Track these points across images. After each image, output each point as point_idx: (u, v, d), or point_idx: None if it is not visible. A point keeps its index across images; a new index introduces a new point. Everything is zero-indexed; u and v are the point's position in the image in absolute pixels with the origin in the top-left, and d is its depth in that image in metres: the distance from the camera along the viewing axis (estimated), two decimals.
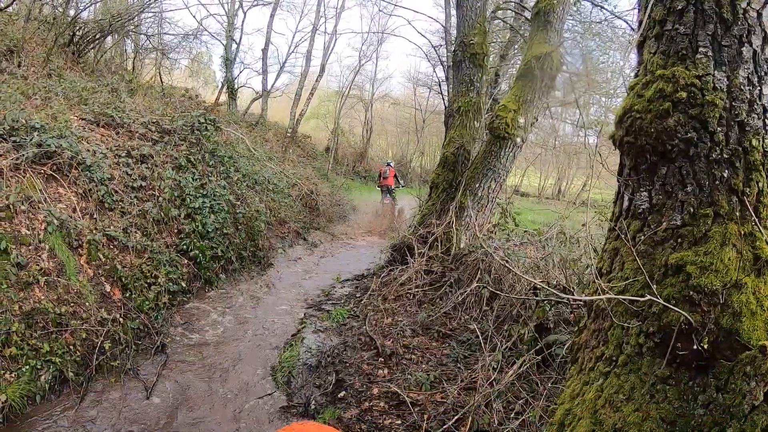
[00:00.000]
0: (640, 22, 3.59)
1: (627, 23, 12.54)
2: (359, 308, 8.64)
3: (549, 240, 9.33)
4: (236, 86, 28.37)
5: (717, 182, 3.01)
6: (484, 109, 11.83)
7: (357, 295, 9.63)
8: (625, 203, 3.51)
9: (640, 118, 3.26)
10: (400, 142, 50.68)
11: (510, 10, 16.94)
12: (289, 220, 14.67)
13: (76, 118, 9.54)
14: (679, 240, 3.05)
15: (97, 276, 7.34)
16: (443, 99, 22.50)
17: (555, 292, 4.66)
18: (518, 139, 9.76)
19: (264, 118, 28.25)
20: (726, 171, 3.01)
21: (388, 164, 25.69)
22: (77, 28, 14.69)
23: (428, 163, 51.56)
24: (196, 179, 10.35)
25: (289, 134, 26.80)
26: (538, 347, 5.73)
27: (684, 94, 3.06)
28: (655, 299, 2.93)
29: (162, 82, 20.26)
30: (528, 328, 6.32)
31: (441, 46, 24.30)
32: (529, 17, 12.41)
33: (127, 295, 7.53)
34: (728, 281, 2.88)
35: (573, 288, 6.66)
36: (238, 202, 11.29)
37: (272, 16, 28.14)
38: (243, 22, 28.23)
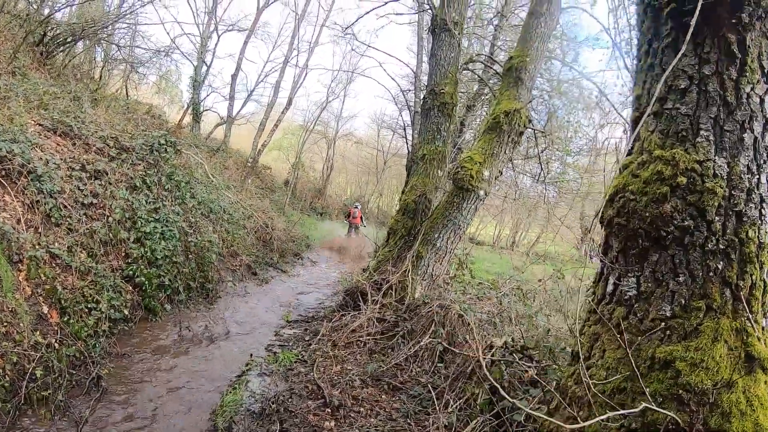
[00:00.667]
0: (638, 97, 3.51)
1: (596, 85, 12.77)
2: (308, 353, 8.31)
3: (505, 295, 9.25)
4: (202, 109, 28.03)
5: (711, 274, 2.91)
6: (449, 159, 11.82)
7: (306, 339, 9.30)
8: (610, 287, 3.37)
9: (635, 200, 3.16)
10: (360, 182, 50.95)
11: (481, 62, 17.18)
12: (242, 253, 14.29)
13: (33, 122, 9.16)
14: (668, 332, 2.92)
15: (35, 295, 6.89)
16: (407, 144, 22.63)
17: (515, 359, 4.49)
18: (481, 192, 9.72)
19: (226, 144, 27.85)
20: (721, 262, 2.92)
21: (356, 206, 29.30)
22: (49, 28, 14.29)
23: (385, 204, 51.89)
24: (149, 202, 9.99)
25: (249, 164, 26.48)
26: (495, 411, 5.53)
27: (684, 180, 2.98)
28: (650, 407, 2.76)
29: (127, 96, 19.80)
30: (482, 388, 6.12)
31: (410, 91, 24.52)
32: (498, 70, 12.56)
33: (65, 319, 7.07)
34: (719, 380, 2.76)
35: (530, 349, 6.52)
36: (191, 230, 10.94)
37: (246, 42, 28.08)
38: (216, 45, 27.97)
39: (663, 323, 2.95)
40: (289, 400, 6.65)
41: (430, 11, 12.80)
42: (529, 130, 11.21)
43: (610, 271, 3.37)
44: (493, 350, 6.65)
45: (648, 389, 2.85)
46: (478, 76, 18.71)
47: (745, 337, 2.84)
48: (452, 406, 6.05)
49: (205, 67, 27.59)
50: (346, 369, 7.66)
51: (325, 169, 43.57)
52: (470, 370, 6.65)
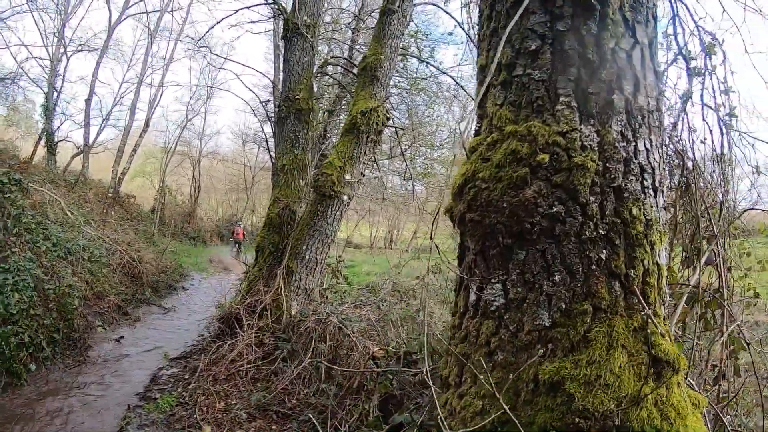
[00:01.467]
0: (481, 68, 3.07)
1: (453, 79, 13.08)
2: (188, 393, 7.89)
3: (383, 299, 9.22)
4: (56, 139, 26.39)
5: (593, 266, 2.49)
6: (311, 167, 11.68)
7: (186, 377, 8.82)
8: (472, 297, 2.84)
9: (488, 188, 2.68)
10: (230, 200, 49.93)
11: (338, 65, 17.19)
12: (109, 293, 13.42)
13: None
14: (550, 345, 2.46)
15: None
16: (270, 156, 22.27)
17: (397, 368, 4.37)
18: (345, 197, 9.72)
19: (85, 176, 26.44)
20: (604, 251, 2.51)
21: (239, 224, 34.88)
22: None
23: (259, 221, 51.12)
24: None
25: (110, 194, 25.12)
26: (388, 428, 5.38)
27: (545, 157, 2.54)
28: None
29: None
30: (372, 404, 6.01)
31: (269, 101, 24.19)
32: (354, 73, 12.58)
33: None
34: (623, 397, 2.32)
35: (413, 353, 6.47)
36: (48, 277, 10.12)
37: (98, 63, 26.80)
38: (66, 68, 26.31)
39: (542, 335, 2.49)
40: None
41: (283, 16, 12.55)
42: (391, 128, 11.24)
43: (470, 277, 2.85)
44: (377, 360, 6.57)
45: (535, 420, 2.39)
46: (336, 80, 18.71)
47: (646, 337, 2.41)
48: (344, 427, 5.90)
49: (56, 93, 25.98)
50: (231, 404, 7.34)
51: (192, 191, 42.28)
52: (357, 384, 6.52)
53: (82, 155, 27.55)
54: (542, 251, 2.55)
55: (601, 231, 2.52)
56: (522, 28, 2.76)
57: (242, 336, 8.99)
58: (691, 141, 4.10)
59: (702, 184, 4.08)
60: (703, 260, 3.88)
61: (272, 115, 23.20)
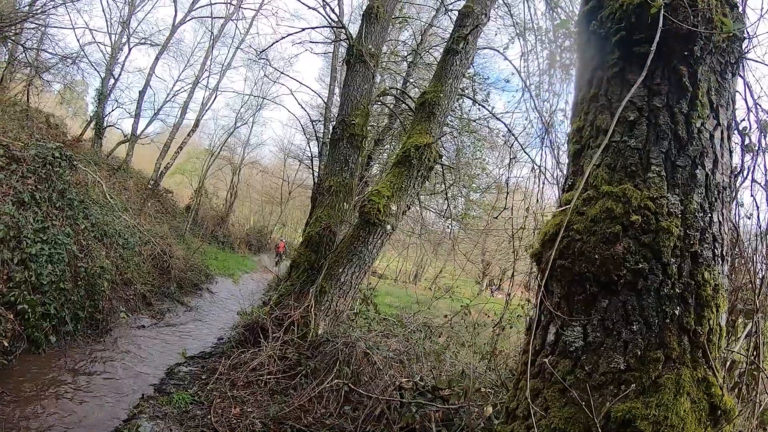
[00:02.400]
0: (578, 129, 3.32)
1: (504, 124, 12.95)
2: (204, 393, 7.72)
3: (412, 332, 8.97)
4: (105, 124, 26.78)
5: (667, 320, 2.69)
6: (356, 192, 11.57)
7: (203, 377, 8.67)
8: (551, 337, 3.04)
9: (581, 239, 2.89)
10: (263, 212, 50.01)
11: (393, 95, 17.18)
12: (136, 282, 13.41)
13: None
14: (623, 387, 2.65)
15: None
16: (313, 175, 22.24)
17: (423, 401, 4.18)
18: (388, 227, 9.55)
19: (128, 164, 26.56)
20: (678, 308, 2.70)
21: (282, 240, 40.34)
22: None
23: (288, 235, 51.19)
24: (38, 220, 9.17)
25: (150, 186, 25.30)
26: None
27: (638, 218, 2.76)
28: None
29: (28, 102, 18.41)
30: None
31: (319, 121, 24.26)
32: (410, 105, 12.52)
33: None
34: None
35: (441, 389, 6.24)
36: (82, 255, 10.11)
37: (157, 58, 27.08)
38: (126, 58, 26.71)
39: (617, 377, 2.68)
40: None
41: (346, 42, 12.62)
42: (437, 165, 11.13)
43: (551, 319, 3.06)
44: (403, 391, 6.34)
45: None
46: (390, 109, 18.69)
47: (707, 388, 2.64)
48: None
49: (112, 80, 26.41)
50: (246, 411, 7.14)
51: (229, 196, 42.50)
52: (379, 412, 6.29)
53: (127, 144, 27.68)
54: (623, 302, 2.75)
55: (677, 290, 2.72)
56: (621, 98, 2.97)
57: (266, 347, 8.82)
58: (737, 215, 4.12)
59: (746, 258, 4.10)
60: (744, 332, 3.95)
61: (320, 135, 23.33)
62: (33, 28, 18.43)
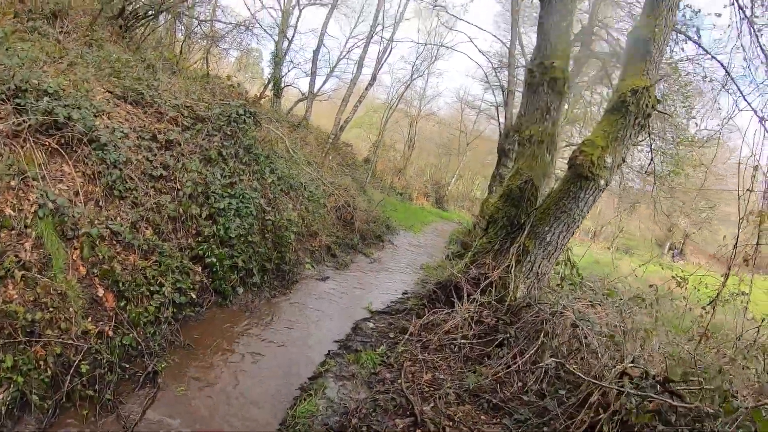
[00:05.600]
0: None
1: (723, 66, 10.94)
2: (394, 355, 7.25)
3: (624, 304, 7.74)
4: (282, 84, 27.44)
5: None
6: (558, 142, 10.42)
7: (391, 336, 8.23)
8: None
9: None
10: (440, 163, 49.58)
11: (594, 35, 15.51)
12: (321, 233, 13.38)
13: (102, 90, 8.40)
14: None
15: (89, 276, 6.08)
16: (499, 125, 21.15)
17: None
18: (602, 182, 8.33)
19: (307, 120, 27.18)
20: None
21: None
22: (128, 2, 13.59)
23: (465, 187, 50.53)
24: (225, 176, 9.15)
25: (331, 140, 25.56)
26: None
27: None
28: None
29: (208, 70, 19.11)
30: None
31: (502, 68, 23.01)
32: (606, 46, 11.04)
33: (123, 303, 6.24)
34: None
35: (674, 382, 5.22)
36: (269, 208, 10.04)
37: (328, 17, 27.30)
38: (298, 19, 27.14)
39: None
40: (373, 414, 5.62)
41: None
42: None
43: None
44: (626, 379, 5.40)
45: None
46: (591, 51, 17.02)
47: None
48: None
49: (286, 42, 26.98)
50: (438, 378, 6.57)
51: (406, 148, 42.53)
52: (597, 400, 5.39)
53: (306, 101, 28.37)
54: None
55: None
56: None
57: (460, 308, 8.18)
58: None
59: None
60: None
61: (503, 82, 22.13)
62: (204, 1, 19.37)
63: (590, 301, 7.94)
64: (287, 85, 28.82)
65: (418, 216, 29.73)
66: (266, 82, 27.52)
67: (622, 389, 5.11)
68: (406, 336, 7.79)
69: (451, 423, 5.55)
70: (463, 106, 45.19)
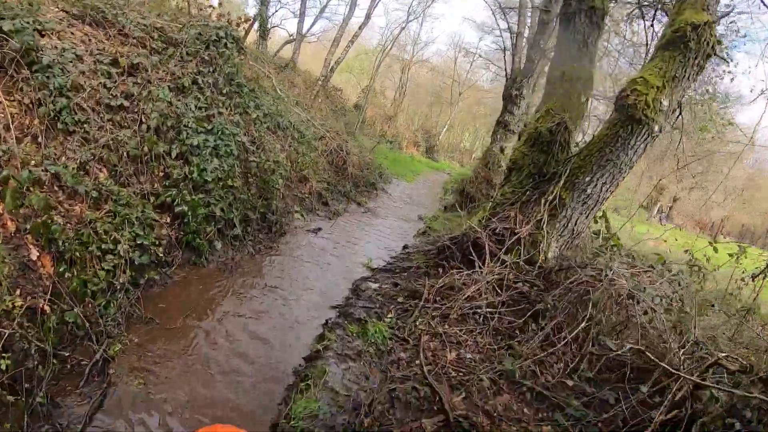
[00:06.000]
0: None
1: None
2: (407, 326, 5.92)
3: (678, 273, 6.37)
4: (269, 25, 25.67)
5: None
6: (593, 81, 8.93)
7: (399, 300, 6.87)
8: None
9: None
10: (431, 112, 48.24)
11: None
12: (312, 179, 11.99)
13: (57, 9, 6.85)
14: None
15: (19, 234, 4.64)
16: (506, 70, 19.55)
17: None
18: (656, 127, 6.91)
19: (294, 62, 25.60)
20: None
21: None
22: None
23: (455, 137, 51.03)
24: (200, 108, 7.66)
25: (321, 81, 23.94)
26: None
27: None
28: None
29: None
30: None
31: (511, 9, 21.32)
32: None
33: (63, 269, 4.80)
34: None
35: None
36: (253, 147, 8.59)
37: None
38: None
39: None
40: (391, 411, 4.33)
41: None
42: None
43: None
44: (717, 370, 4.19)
45: None
46: None
47: None
48: None
49: None
50: (465, 358, 5.28)
51: (397, 95, 40.98)
52: (680, 396, 4.11)
53: (294, 43, 26.68)
54: None
55: None
56: None
57: (482, 270, 6.84)
58: None
59: None
60: None
61: (512, 24, 20.52)
62: None
63: (641, 269, 6.53)
64: (274, 26, 27.20)
65: (409, 165, 28.57)
66: (251, 20, 25.89)
67: (718, 386, 3.88)
68: (421, 303, 6.45)
69: (489, 420, 4.29)
70: (457, 54, 43.71)
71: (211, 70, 8.25)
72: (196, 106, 7.57)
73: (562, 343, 5.38)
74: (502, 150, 17.94)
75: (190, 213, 6.73)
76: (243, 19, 11.29)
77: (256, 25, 24.62)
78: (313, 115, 16.39)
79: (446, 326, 5.83)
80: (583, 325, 5.34)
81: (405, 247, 10.67)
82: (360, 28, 26.58)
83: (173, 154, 6.84)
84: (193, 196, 6.85)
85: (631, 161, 7.11)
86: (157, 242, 6.07)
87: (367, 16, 26.86)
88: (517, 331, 5.88)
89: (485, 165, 17.71)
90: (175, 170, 6.77)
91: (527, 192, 7.83)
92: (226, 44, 8.62)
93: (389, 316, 6.29)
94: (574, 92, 8.32)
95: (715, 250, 7.05)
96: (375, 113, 36.14)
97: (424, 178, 26.20)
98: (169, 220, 6.58)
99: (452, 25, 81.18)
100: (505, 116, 18.52)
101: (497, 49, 24.67)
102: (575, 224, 7.30)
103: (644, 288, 5.61)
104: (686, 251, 7.08)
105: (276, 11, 26.77)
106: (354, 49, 30.12)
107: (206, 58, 8.26)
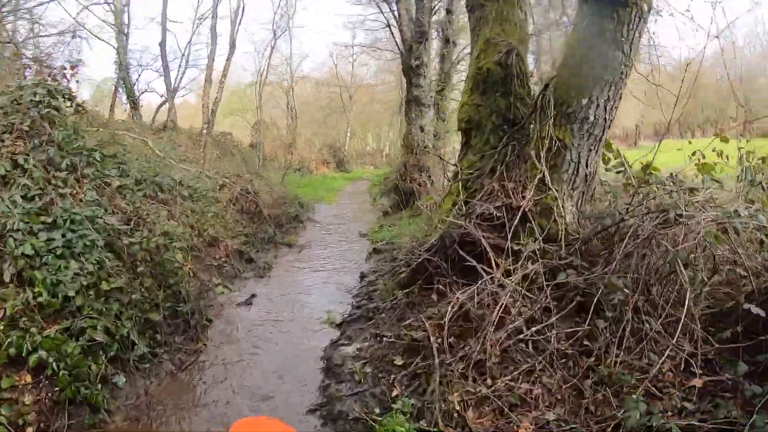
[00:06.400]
0: None
1: None
2: (433, 403, 3.72)
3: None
4: (137, 92, 24.21)
5: None
6: None
7: (396, 362, 4.67)
8: None
9: None
10: (328, 125, 47.51)
11: None
12: (224, 237, 9.83)
13: None
14: None
15: None
16: (398, 45, 18.25)
17: None
18: (645, 6, 5.08)
19: (174, 122, 24.11)
20: None
21: None
22: None
23: (359, 143, 51.71)
24: (31, 198, 5.37)
25: (205, 129, 22.00)
26: None
27: None
28: None
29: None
30: None
31: None
32: None
33: None
34: None
35: None
36: (128, 226, 6.27)
37: (165, 1, 24.23)
38: (128, 15, 23.53)
39: None
40: None
41: None
42: None
43: None
44: None
45: None
46: None
47: None
48: None
49: (124, 38, 23.30)
50: (546, 422, 3.21)
51: (289, 120, 39.75)
52: None
53: (167, 102, 25.13)
54: None
55: None
56: None
57: (491, 276, 4.76)
58: None
59: None
60: None
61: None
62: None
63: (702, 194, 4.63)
64: (143, 92, 25.63)
65: (325, 184, 27.52)
66: (113, 88, 24.42)
67: None
68: (436, 358, 4.23)
69: None
70: (336, 60, 43.58)
71: (38, 143, 5.99)
72: (24, 197, 5.27)
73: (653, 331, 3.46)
74: (422, 129, 16.59)
75: (53, 358, 4.31)
76: (69, 66, 8.96)
77: (124, 98, 23.61)
78: (205, 167, 14.25)
79: (489, 380, 3.72)
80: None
81: (363, 276, 8.66)
82: (227, 59, 25.33)
83: (4, 278, 4.48)
84: (53, 333, 4.44)
85: (629, 58, 5.21)
86: (22, 422, 3.74)
87: (232, 43, 25.77)
88: (587, 342, 3.86)
89: (410, 151, 16.44)
90: (8, 301, 4.39)
91: (502, 151, 5.83)
92: (49, 102, 6.42)
93: (395, 394, 4.12)
94: (509, 7, 6.52)
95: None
96: (273, 146, 35.29)
97: (345, 193, 25.26)
98: (29, 379, 4.20)
99: (325, 25, 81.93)
100: (413, 91, 17.15)
101: (383, 28, 23.37)
102: (586, 166, 5.36)
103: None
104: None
105: (140, 75, 25.80)
106: (231, 86, 28.91)
107: (27, 128, 6.04)
